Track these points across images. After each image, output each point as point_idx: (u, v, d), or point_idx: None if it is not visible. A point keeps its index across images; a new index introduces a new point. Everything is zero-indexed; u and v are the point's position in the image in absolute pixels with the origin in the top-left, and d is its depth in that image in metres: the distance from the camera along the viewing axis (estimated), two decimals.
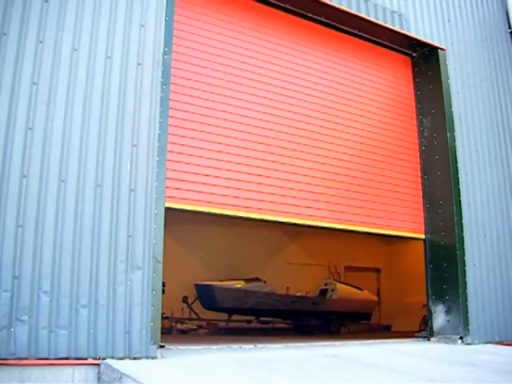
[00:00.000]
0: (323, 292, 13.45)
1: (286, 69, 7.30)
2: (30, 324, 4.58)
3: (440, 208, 7.87)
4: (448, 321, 7.44)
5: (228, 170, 6.39)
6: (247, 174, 6.57)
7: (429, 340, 7.60)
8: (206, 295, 11.62)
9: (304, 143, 7.16)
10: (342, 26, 7.90)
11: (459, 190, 7.79)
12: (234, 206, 6.38)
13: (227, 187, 6.32)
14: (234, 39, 6.91)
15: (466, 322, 7.29)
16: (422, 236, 7.97)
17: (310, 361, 5.58)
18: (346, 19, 7.70)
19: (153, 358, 5.06)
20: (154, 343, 5.10)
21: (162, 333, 5.31)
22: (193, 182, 6.03)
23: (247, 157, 6.60)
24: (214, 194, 6.18)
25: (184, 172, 5.98)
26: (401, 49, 8.53)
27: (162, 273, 5.32)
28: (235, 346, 6.50)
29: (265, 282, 12.39)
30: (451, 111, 8.08)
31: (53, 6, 5.29)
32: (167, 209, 5.54)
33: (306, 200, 7.02)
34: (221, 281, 11.83)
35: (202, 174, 6.14)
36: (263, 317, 12.79)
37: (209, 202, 6.13)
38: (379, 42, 8.31)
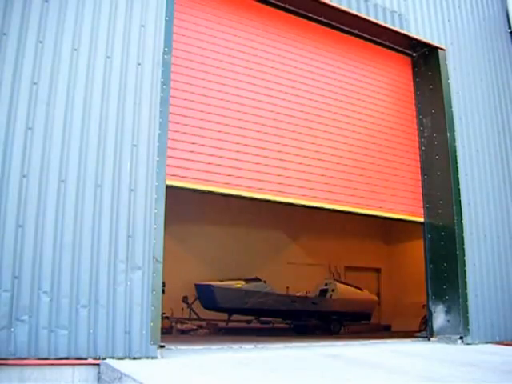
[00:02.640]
0: (323, 292, 13.45)
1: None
2: (30, 324, 4.58)
3: (440, 208, 7.87)
4: (448, 321, 7.44)
5: (229, 150, 6.49)
6: (256, 155, 6.70)
7: (429, 340, 7.60)
8: (206, 295, 11.61)
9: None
10: (342, 26, 7.91)
11: (459, 189, 7.79)
12: (250, 187, 6.53)
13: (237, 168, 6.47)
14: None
15: (466, 322, 7.29)
16: (421, 219, 8.03)
17: (310, 361, 5.58)
18: (346, 19, 7.70)
19: (153, 357, 5.06)
20: (153, 343, 5.10)
21: (162, 333, 5.32)
22: (189, 160, 6.09)
23: (254, 146, 6.70)
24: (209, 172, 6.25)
25: (182, 150, 6.03)
26: (401, 49, 8.54)
27: (162, 273, 5.32)
28: (235, 346, 6.50)
29: (265, 281, 12.39)
30: (451, 111, 8.09)
31: (53, 6, 5.29)
32: (168, 187, 5.58)
33: (318, 183, 7.18)
34: (221, 281, 11.83)
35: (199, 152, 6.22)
36: (263, 317, 12.79)
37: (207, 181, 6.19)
38: (379, 41, 8.32)
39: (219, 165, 6.33)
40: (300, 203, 7.01)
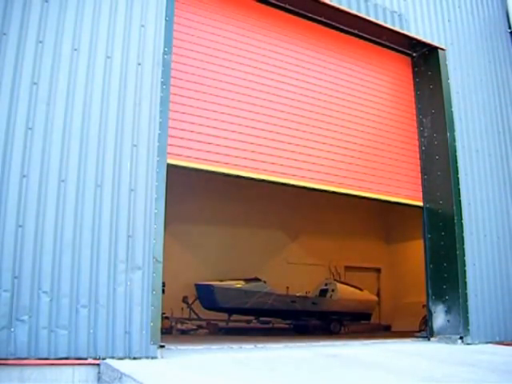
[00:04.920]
0: (323, 292, 13.46)
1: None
2: (29, 324, 4.58)
3: (440, 208, 7.87)
4: (448, 321, 7.44)
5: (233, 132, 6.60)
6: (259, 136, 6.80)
7: (429, 340, 7.60)
8: (206, 295, 11.62)
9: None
10: (342, 26, 7.91)
11: (459, 189, 7.78)
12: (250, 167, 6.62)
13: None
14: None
15: (466, 322, 7.28)
16: (420, 203, 8.09)
17: (310, 361, 5.58)
18: (346, 19, 7.70)
19: (153, 357, 5.06)
20: (153, 343, 5.10)
21: (162, 333, 5.31)
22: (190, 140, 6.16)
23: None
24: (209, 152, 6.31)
25: (184, 130, 6.11)
26: (401, 49, 8.54)
27: (162, 273, 5.32)
28: (235, 346, 6.51)
29: (265, 281, 12.39)
30: (451, 111, 8.08)
31: (53, 5, 5.29)
32: (169, 165, 5.63)
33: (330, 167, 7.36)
34: (221, 281, 11.84)
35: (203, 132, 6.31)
36: (263, 317, 12.79)
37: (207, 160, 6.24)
38: (379, 41, 8.31)
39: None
40: (310, 186, 7.10)
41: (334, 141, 7.47)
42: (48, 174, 4.93)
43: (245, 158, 6.56)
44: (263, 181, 6.75)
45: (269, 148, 6.82)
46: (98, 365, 4.80)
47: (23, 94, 4.96)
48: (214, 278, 11.87)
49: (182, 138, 6.04)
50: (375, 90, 8.16)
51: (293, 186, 7.02)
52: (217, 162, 6.30)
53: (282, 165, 6.87)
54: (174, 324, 11.64)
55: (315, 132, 7.31)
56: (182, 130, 6.08)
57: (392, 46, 8.44)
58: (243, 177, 6.55)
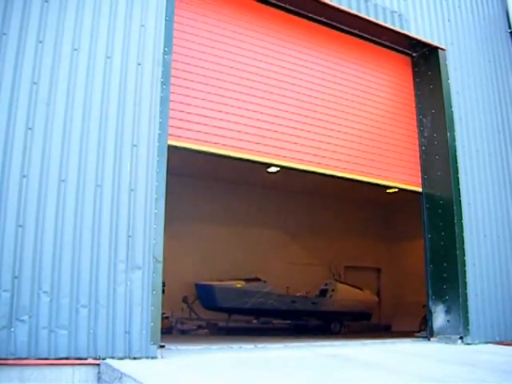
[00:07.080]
0: (323, 292, 13.46)
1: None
2: (30, 324, 4.58)
3: (440, 208, 7.87)
4: (448, 321, 7.44)
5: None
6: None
7: (429, 340, 7.60)
8: (206, 295, 11.62)
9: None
10: (342, 26, 7.91)
11: (459, 189, 7.78)
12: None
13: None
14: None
15: (466, 322, 7.29)
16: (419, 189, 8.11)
17: (310, 361, 5.58)
18: (346, 19, 7.70)
19: (153, 357, 5.06)
20: (154, 343, 5.10)
21: (162, 333, 5.31)
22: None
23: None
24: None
25: (186, 112, 6.18)
26: (401, 49, 8.54)
27: (162, 273, 5.32)
28: (235, 346, 6.51)
29: (265, 281, 12.39)
30: (451, 111, 8.08)
31: (53, 6, 5.29)
32: (170, 147, 5.67)
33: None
34: (221, 281, 11.84)
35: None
36: (263, 317, 12.79)
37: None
38: (379, 41, 8.32)
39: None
40: (317, 171, 7.21)
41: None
42: (48, 174, 4.94)
43: (251, 142, 6.68)
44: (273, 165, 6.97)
45: (282, 134, 6.97)
46: (98, 365, 4.80)
47: (23, 94, 4.96)
48: (214, 278, 11.87)
49: (181, 120, 6.09)
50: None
51: (301, 170, 7.12)
52: (216, 143, 6.37)
53: (290, 150, 7.01)
54: (174, 324, 11.65)
55: (316, 122, 7.38)
56: (182, 111, 6.13)
57: (392, 46, 8.44)
58: (248, 160, 6.66)
